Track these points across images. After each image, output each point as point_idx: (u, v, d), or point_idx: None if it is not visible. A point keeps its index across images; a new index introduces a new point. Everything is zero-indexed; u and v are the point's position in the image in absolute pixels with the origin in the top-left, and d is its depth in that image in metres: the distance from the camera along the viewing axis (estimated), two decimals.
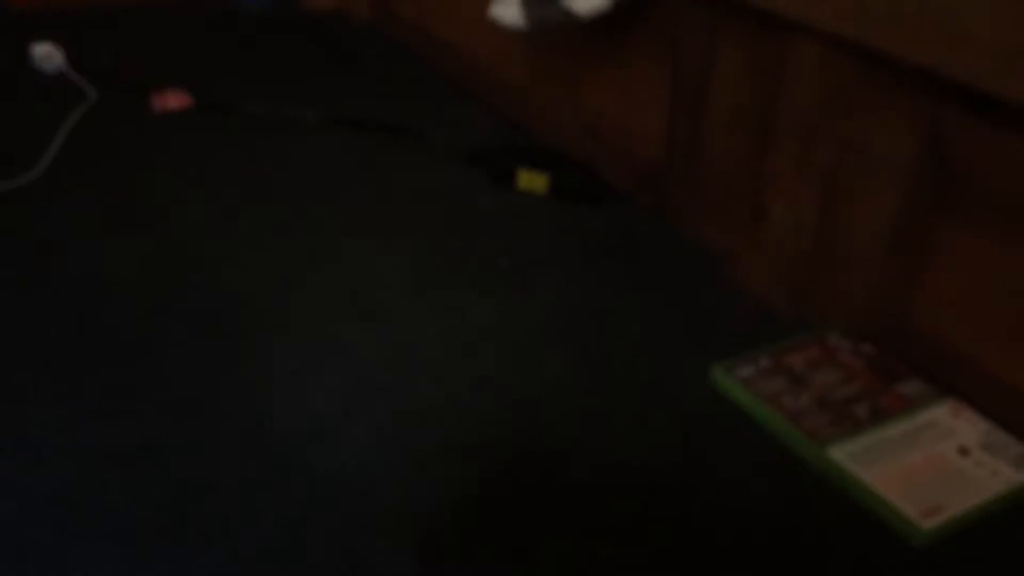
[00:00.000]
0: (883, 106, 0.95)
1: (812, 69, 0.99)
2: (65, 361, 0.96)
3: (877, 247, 1.00)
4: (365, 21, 1.80)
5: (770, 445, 0.92)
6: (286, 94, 1.52)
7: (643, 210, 1.26)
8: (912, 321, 0.99)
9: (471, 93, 1.54)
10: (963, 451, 0.90)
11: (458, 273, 1.14)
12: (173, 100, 1.47)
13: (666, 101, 1.21)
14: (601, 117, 1.33)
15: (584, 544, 0.81)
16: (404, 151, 1.38)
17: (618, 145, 1.31)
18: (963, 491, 0.86)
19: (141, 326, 1.01)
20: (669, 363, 1.01)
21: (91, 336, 0.99)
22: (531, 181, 1.30)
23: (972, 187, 0.91)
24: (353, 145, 1.40)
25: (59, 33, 1.62)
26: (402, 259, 1.15)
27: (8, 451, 0.85)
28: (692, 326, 1.07)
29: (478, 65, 1.55)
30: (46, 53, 1.56)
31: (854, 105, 0.97)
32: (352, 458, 0.87)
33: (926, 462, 0.89)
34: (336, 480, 0.84)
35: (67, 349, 0.98)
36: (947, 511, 0.84)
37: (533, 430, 0.92)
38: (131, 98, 1.46)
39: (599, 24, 1.25)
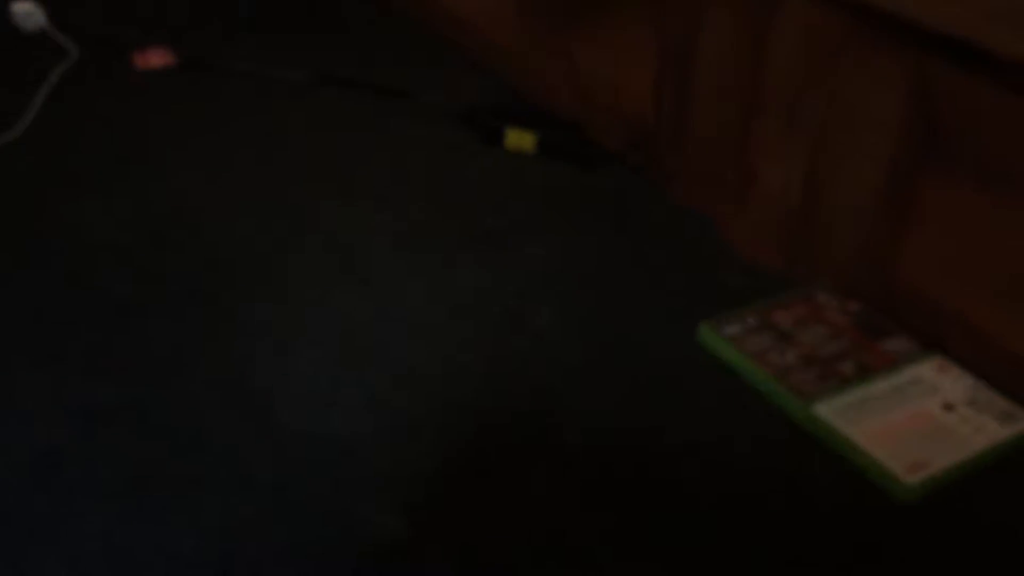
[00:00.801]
0: (871, 64, 0.94)
1: (799, 28, 0.99)
2: (49, 322, 0.95)
3: (865, 205, 0.99)
4: None
5: (757, 402, 0.92)
6: (272, 55, 1.50)
7: (632, 170, 1.26)
8: (898, 278, 0.99)
9: (461, 55, 1.53)
10: (948, 407, 0.91)
11: (447, 234, 1.13)
12: (155, 58, 1.45)
13: (654, 62, 1.20)
14: (590, 77, 1.32)
15: (575, 506, 0.81)
16: (392, 111, 1.37)
17: (608, 106, 1.30)
18: (948, 447, 0.87)
19: (126, 287, 1.01)
20: (658, 323, 1.01)
21: (76, 297, 0.99)
22: (519, 140, 1.29)
23: (960, 144, 0.90)
24: (340, 105, 1.38)
25: None
26: (390, 220, 1.15)
27: None
28: (681, 286, 1.07)
29: (468, 26, 1.53)
30: (26, 11, 1.53)
31: (841, 64, 0.96)
32: (342, 420, 0.87)
33: (911, 418, 0.89)
34: (325, 442, 0.84)
35: (51, 310, 0.97)
36: (932, 467, 0.85)
37: (523, 391, 0.92)
38: (113, 56, 1.44)
39: None
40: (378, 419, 0.87)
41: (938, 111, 0.91)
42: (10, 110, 1.29)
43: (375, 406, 0.88)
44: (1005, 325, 0.91)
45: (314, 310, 1.00)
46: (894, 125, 0.94)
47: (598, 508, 0.81)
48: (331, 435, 0.85)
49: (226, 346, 0.94)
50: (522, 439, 0.87)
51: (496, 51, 1.48)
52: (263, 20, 1.66)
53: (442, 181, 1.23)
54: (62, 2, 1.58)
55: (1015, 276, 0.89)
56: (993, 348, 0.93)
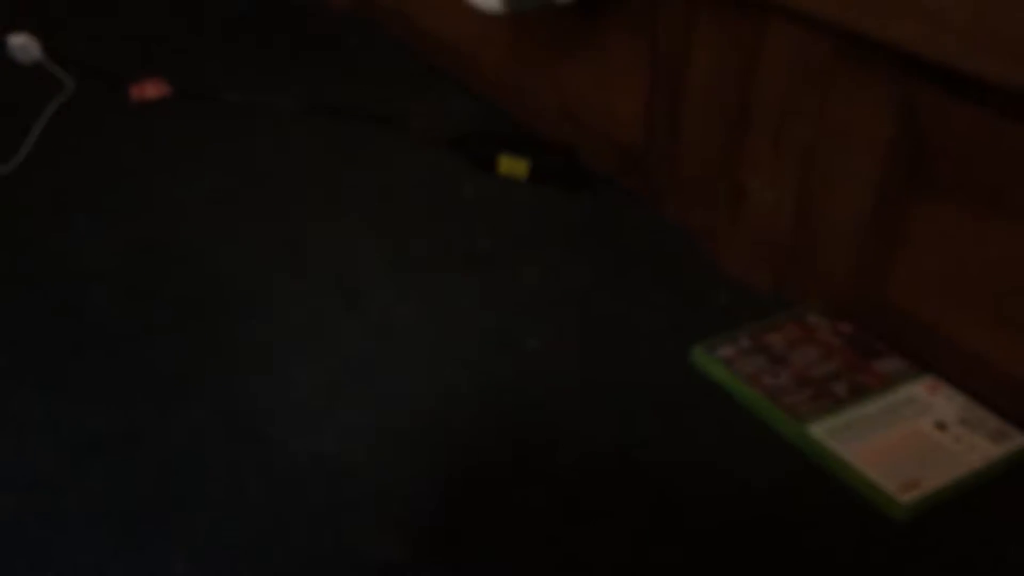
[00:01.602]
0: (860, 86, 0.95)
1: (789, 50, 1.00)
2: (47, 348, 0.96)
3: (855, 226, 1.00)
4: (344, 8, 1.79)
5: (750, 423, 0.93)
6: (265, 82, 1.52)
7: (623, 193, 1.27)
8: (890, 299, 1.00)
9: (450, 79, 1.54)
10: (941, 426, 0.91)
11: (440, 257, 1.14)
12: (151, 89, 1.46)
13: (644, 84, 1.21)
14: (580, 101, 1.33)
15: (570, 527, 0.81)
16: (384, 137, 1.38)
17: (597, 129, 1.31)
18: (941, 466, 0.87)
19: (123, 312, 1.01)
20: (650, 345, 1.02)
21: (73, 323, 0.99)
22: (512, 166, 1.30)
23: (949, 166, 0.91)
24: (333, 132, 1.39)
25: (35, 24, 1.61)
26: (384, 244, 1.15)
27: None
28: (673, 308, 1.08)
29: (457, 51, 1.55)
30: (22, 44, 1.55)
31: (831, 86, 0.98)
32: (337, 442, 0.87)
33: (904, 438, 0.90)
34: (320, 464, 0.85)
35: (49, 336, 0.97)
36: (925, 486, 0.85)
37: (516, 413, 0.92)
38: (109, 88, 1.46)
39: (577, 8, 1.25)
40: (374, 441, 0.87)
41: (926, 133, 0.92)
42: (6, 142, 1.29)
43: (371, 428, 0.89)
44: (996, 344, 0.92)
45: (309, 333, 1.00)
46: (882, 146, 0.95)
47: (593, 529, 0.81)
48: (327, 457, 0.85)
49: (221, 370, 0.94)
50: (516, 461, 0.87)
51: (486, 76, 1.50)
52: (257, 49, 1.67)
53: (435, 206, 1.24)
54: (57, 35, 1.60)
55: (1004, 295, 0.90)
56: (984, 367, 0.93)
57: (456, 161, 1.34)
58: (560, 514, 0.82)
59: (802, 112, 1.01)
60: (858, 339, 1.01)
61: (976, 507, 0.85)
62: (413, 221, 1.21)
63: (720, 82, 1.10)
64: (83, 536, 0.77)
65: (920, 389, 0.95)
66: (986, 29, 0.79)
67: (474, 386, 0.95)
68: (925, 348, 0.97)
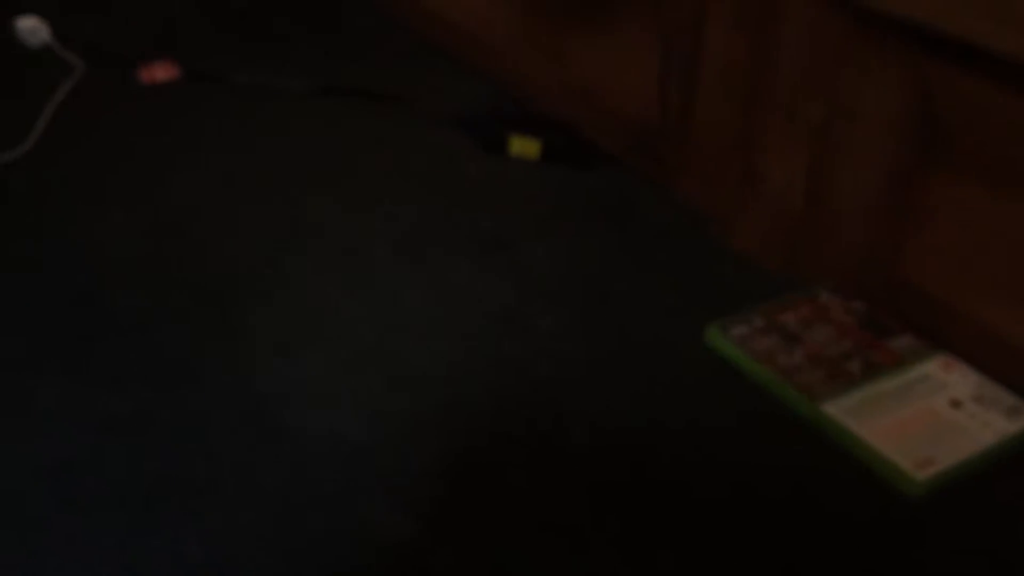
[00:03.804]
0: (873, 63, 0.95)
1: (802, 27, 0.99)
2: (61, 333, 0.96)
3: (868, 204, 1.00)
4: None
5: (765, 402, 0.92)
6: (273, 64, 1.51)
7: (634, 173, 1.26)
8: (903, 277, 0.99)
9: (458, 60, 1.54)
10: (955, 403, 0.91)
11: (452, 238, 1.14)
12: (161, 71, 1.46)
13: (656, 63, 1.21)
14: (590, 81, 1.33)
15: (582, 505, 0.81)
16: (393, 119, 1.38)
17: (608, 108, 1.30)
18: (956, 443, 0.87)
19: (135, 298, 1.01)
20: (662, 324, 1.01)
21: (88, 309, 0.99)
22: (524, 147, 1.30)
23: (962, 142, 0.91)
24: (342, 114, 1.39)
25: (44, 6, 1.61)
26: (396, 225, 1.15)
27: (8, 422, 0.85)
28: (684, 287, 1.07)
29: (464, 31, 1.54)
30: (31, 27, 1.54)
31: (844, 62, 0.97)
32: (347, 422, 0.87)
33: (919, 415, 0.90)
34: (332, 444, 0.85)
35: (63, 321, 0.98)
36: (940, 463, 0.85)
37: (529, 392, 0.92)
38: (119, 71, 1.45)
39: None
40: (384, 422, 0.88)
41: (941, 110, 0.91)
42: (17, 126, 1.29)
43: (381, 409, 0.89)
44: (1010, 321, 0.92)
45: (320, 315, 1.00)
46: (897, 124, 0.94)
47: (606, 507, 0.81)
48: (338, 438, 0.85)
49: (234, 353, 0.95)
50: (529, 440, 0.87)
51: (494, 55, 1.49)
52: (264, 30, 1.67)
53: (444, 186, 1.24)
54: (66, 17, 1.59)
55: (1019, 272, 0.90)
56: (998, 344, 0.93)
57: (465, 142, 1.33)
58: (572, 492, 0.82)
59: (816, 89, 1.00)
60: (871, 317, 1.00)
61: (991, 484, 0.85)
62: (424, 202, 1.20)
63: (733, 60, 1.09)
64: (100, 518, 0.77)
65: (934, 367, 0.94)
66: (1001, 1, 0.78)
67: (485, 366, 0.95)
68: (939, 326, 0.97)
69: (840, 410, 0.90)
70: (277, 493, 0.80)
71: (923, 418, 0.89)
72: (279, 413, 0.88)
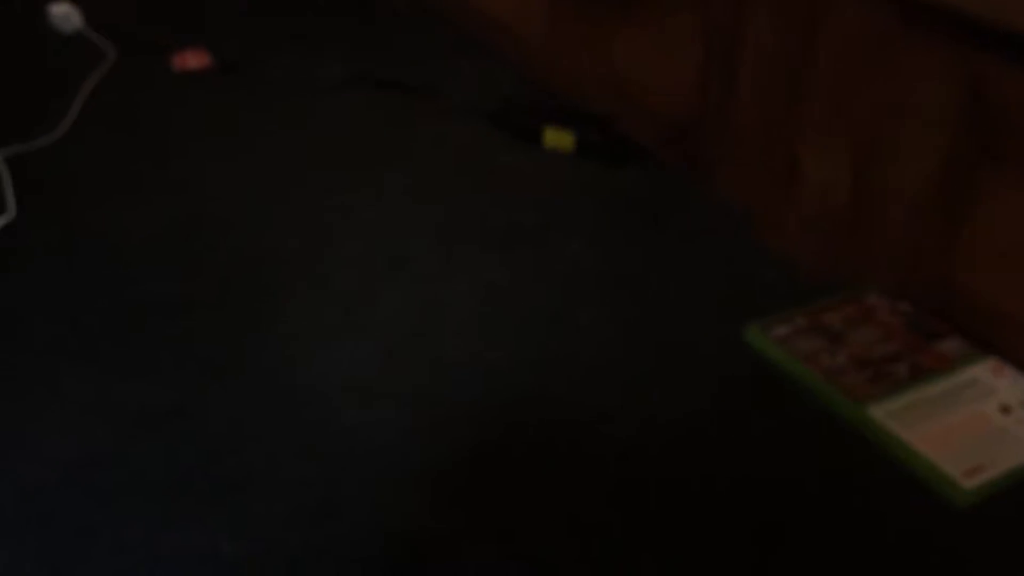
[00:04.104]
0: (922, 56, 0.92)
1: (848, 18, 0.97)
2: (93, 323, 0.95)
3: (915, 202, 0.97)
4: None
5: (808, 404, 0.90)
6: (305, 53, 1.50)
7: (671, 168, 1.24)
8: (952, 277, 0.97)
9: (492, 51, 1.52)
10: (1005, 409, 0.88)
11: (486, 231, 1.12)
12: (193, 59, 1.45)
13: (695, 55, 1.18)
14: (628, 73, 1.30)
15: (613, 503, 0.80)
16: (426, 109, 1.36)
17: (645, 102, 1.28)
18: (1005, 450, 0.84)
19: (168, 288, 1.00)
20: (700, 323, 0.99)
21: (119, 297, 0.98)
22: (558, 139, 1.28)
23: (1013, 137, 0.88)
24: (375, 104, 1.38)
25: None
26: (429, 217, 1.14)
27: (39, 414, 0.85)
28: (723, 285, 1.05)
29: (497, 21, 1.53)
30: (63, 13, 1.54)
31: (892, 56, 0.94)
32: (384, 415, 0.86)
33: (967, 421, 0.87)
34: (368, 437, 0.84)
35: (95, 311, 0.97)
36: (989, 470, 0.82)
37: (565, 389, 0.91)
38: (151, 58, 1.45)
39: None
40: (418, 415, 0.86)
41: (991, 105, 0.88)
42: (50, 112, 1.29)
43: (415, 402, 0.87)
44: None
45: (354, 307, 0.99)
46: (948, 120, 0.92)
47: (637, 506, 0.79)
48: (372, 431, 0.84)
49: (268, 345, 0.93)
50: (563, 437, 0.85)
51: (529, 47, 1.47)
52: (296, 20, 1.66)
53: (479, 179, 1.22)
54: (98, 3, 1.59)
55: None
56: None
57: (499, 133, 1.31)
58: (603, 490, 0.80)
59: (861, 83, 0.98)
60: (919, 319, 0.98)
61: None
62: (457, 194, 1.19)
63: (776, 51, 1.07)
64: (129, 512, 0.76)
65: (983, 371, 0.92)
66: None
67: (521, 362, 0.93)
68: (989, 329, 0.94)
69: (885, 414, 0.87)
70: (311, 486, 0.79)
71: (971, 424, 0.87)
72: (314, 405, 0.87)
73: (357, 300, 1.00)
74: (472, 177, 1.23)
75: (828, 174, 1.04)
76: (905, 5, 0.90)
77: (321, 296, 1.00)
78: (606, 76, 1.34)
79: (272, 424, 0.84)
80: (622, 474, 0.82)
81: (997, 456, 0.84)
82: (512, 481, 0.81)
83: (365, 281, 1.03)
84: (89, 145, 1.24)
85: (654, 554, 0.76)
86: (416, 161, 1.25)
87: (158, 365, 0.90)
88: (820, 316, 0.98)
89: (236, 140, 1.28)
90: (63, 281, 1.01)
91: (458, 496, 0.79)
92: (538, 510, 0.78)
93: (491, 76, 1.46)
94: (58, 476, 0.79)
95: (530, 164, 1.25)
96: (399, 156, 1.26)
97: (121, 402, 0.86)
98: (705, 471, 0.83)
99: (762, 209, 1.13)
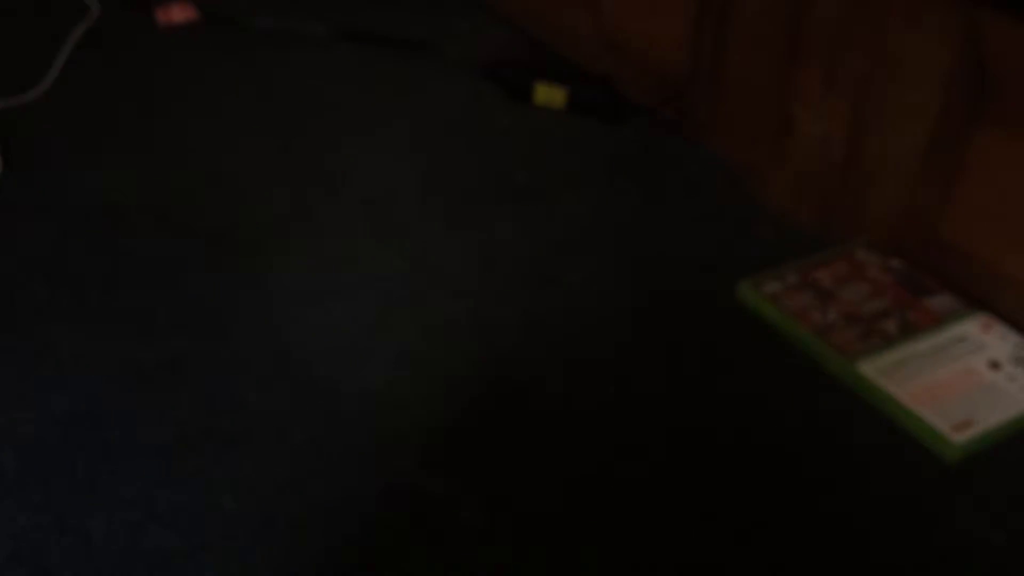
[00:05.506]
0: (919, 13, 0.91)
1: None
2: (83, 281, 0.95)
3: (909, 158, 0.97)
4: None
5: (798, 360, 0.91)
6: (295, 7, 1.48)
7: (664, 125, 1.23)
8: (943, 234, 0.97)
9: (483, 6, 1.50)
10: (994, 365, 0.89)
11: (477, 189, 1.12)
12: (178, 13, 1.43)
13: (689, 11, 1.17)
14: (620, 28, 1.29)
15: (610, 458, 0.80)
16: (417, 65, 1.35)
17: (638, 57, 1.27)
18: (994, 405, 0.85)
19: (161, 246, 1.00)
20: (693, 279, 1.00)
21: (107, 256, 0.98)
22: (549, 95, 1.27)
23: (1011, 94, 0.88)
24: (365, 60, 1.36)
25: None
26: (420, 175, 1.13)
27: (32, 371, 0.84)
28: (716, 242, 1.05)
29: None
30: None
31: (888, 11, 0.94)
32: (377, 375, 0.86)
33: (957, 377, 0.88)
34: (362, 397, 0.84)
35: (84, 269, 0.96)
36: (978, 425, 0.83)
37: (560, 346, 0.91)
38: (135, 12, 1.42)
39: None
40: (413, 374, 0.86)
41: (990, 61, 0.88)
42: (33, 68, 1.27)
43: (410, 361, 0.88)
44: None
45: (348, 266, 0.98)
46: (943, 75, 0.92)
47: (634, 461, 0.80)
48: (367, 390, 0.84)
49: (262, 303, 0.93)
50: (559, 395, 0.86)
51: (521, 3, 1.46)
52: None
53: (470, 136, 1.21)
54: None
55: None
56: None
57: (491, 90, 1.30)
58: (600, 446, 0.81)
59: (856, 40, 0.97)
60: (909, 276, 0.98)
61: None
62: (449, 152, 1.18)
63: (771, 7, 1.06)
64: (127, 468, 0.76)
65: (973, 327, 0.93)
66: None
67: (513, 319, 0.93)
68: (979, 285, 0.95)
69: (875, 370, 0.88)
70: (309, 445, 0.79)
71: (961, 380, 0.88)
72: (310, 364, 0.87)
73: (352, 257, 1.00)
74: (463, 133, 1.22)
75: (822, 130, 1.04)
76: None
77: (315, 253, 1.00)
78: (601, 32, 1.33)
79: (270, 383, 0.85)
80: (615, 430, 0.83)
81: (986, 411, 0.85)
82: (508, 439, 0.82)
83: (359, 238, 1.03)
84: (72, 102, 1.22)
85: (649, 506, 0.76)
86: (407, 118, 1.24)
87: (151, 323, 0.90)
88: (811, 272, 0.98)
89: (222, 97, 1.26)
90: (49, 237, 1.00)
91: (454, 455, 0.80)
92: (534, 468, 0.79)
93: (485, 32, 1.45)
94: (51, 431, 0.79)
95: (521, 121, 1.24)
96: (389, 113, 1.25)
97: (115, 359, 0.86)
98: (695, 426, 0.84)
99: (756, 166, 1.13)
